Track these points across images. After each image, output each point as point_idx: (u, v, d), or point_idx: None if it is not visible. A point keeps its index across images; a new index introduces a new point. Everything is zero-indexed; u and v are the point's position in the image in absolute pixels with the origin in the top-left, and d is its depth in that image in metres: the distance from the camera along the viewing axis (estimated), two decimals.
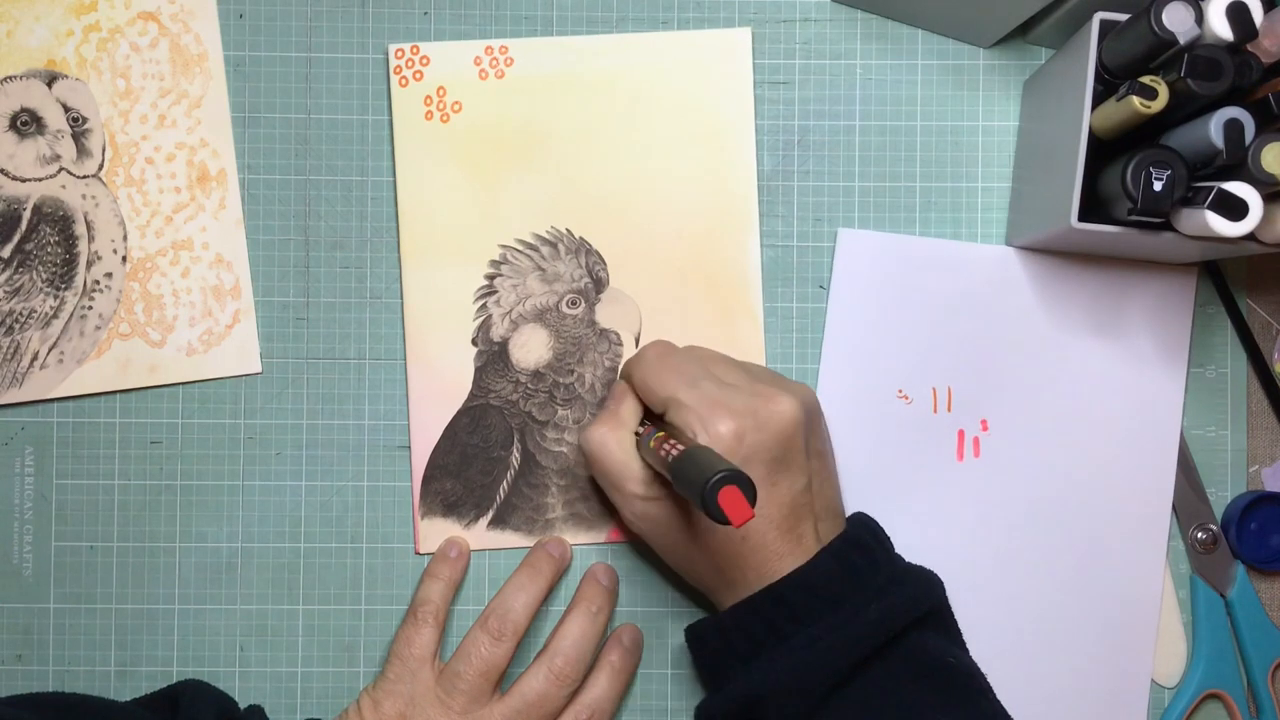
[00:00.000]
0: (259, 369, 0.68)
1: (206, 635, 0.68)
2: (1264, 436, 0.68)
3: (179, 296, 0.67)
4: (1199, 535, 0.68)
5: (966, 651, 0.61)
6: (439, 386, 0.68)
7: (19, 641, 0.67)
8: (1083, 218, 0.58)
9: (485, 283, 0.68)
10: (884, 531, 0.62)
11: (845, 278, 0.68)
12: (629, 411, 0.63)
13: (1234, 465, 0.68)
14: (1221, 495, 0.68)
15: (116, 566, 0.68)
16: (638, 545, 0.68)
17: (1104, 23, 0.58)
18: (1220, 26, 0.53)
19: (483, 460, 0.68)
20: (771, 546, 0.58)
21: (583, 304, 0.68)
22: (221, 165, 0.67)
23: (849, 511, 0.64)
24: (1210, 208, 0.54)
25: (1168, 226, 0.57)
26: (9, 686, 0.67)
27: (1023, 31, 0.68)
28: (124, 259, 0.67)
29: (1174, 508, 0.68)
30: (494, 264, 0.68)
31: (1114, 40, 0.57)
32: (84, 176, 0.67)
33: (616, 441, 0.61)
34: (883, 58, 0.68)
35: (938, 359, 0.67)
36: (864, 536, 0.60)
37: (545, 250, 0.68)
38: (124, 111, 0.67)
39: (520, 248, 0.68)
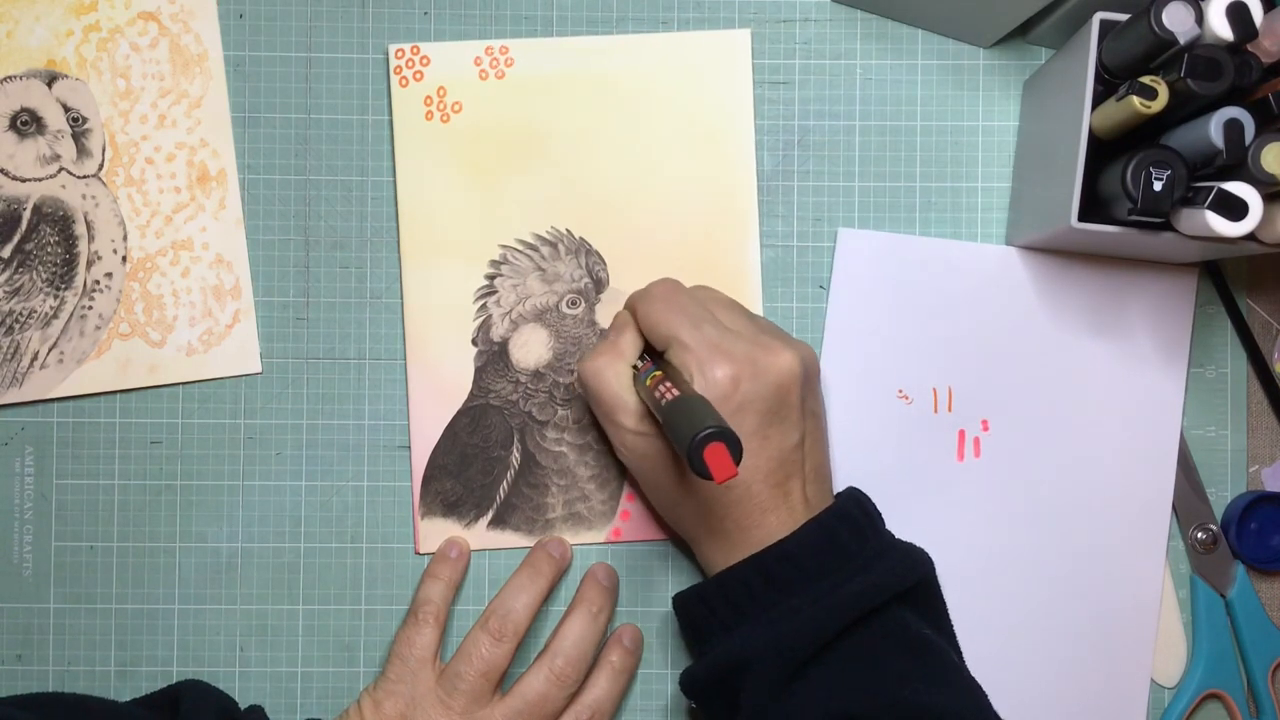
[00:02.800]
0: (259, 369, 0.68)
1: (206, 635, 0.68)
2: (1264, 436, 0.68)
3: (179, 296, 0.67)
4: (1199, 535, 0.68)
5: (949, 628, 0.62)
6: (439, 386, 0.68)
7: (19, 641, 0.67)
8: (1083, 218, 0.58)
9: (485, 283, 0.68)
10: (875, 507, 0.63)
11: (845, 278, 0.68)
12: (629, 344, 0.62)
13: (1234, 465, 0.68)
14: (1221, 495, 0.68)
15: (116, 566, 0.68)
16: (638, 545, 0.68)
17: (1104, 23, 0.58)
18: (1220, 26, 0.53)
19: (483, 460, 0.68)
20: (757, 499, 0.59)
21: (583, 304, 0.68)
22: (221, 165, 0.67)
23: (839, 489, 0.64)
24: (1210, 208, 0.54)
25: (1168, 226, 0.57)
26: (9, 686, 0.67)
27: (1023, 31, 0.68)
28: (124, 259, 0.67)
29: (1174, 508, 0.68)
30: (494, 264, 0.68)
31: (1114, 40, 0.57)
32: (84, 176, 0.67)
33: (614, 373, 0.61)
34: (883, 58, 0.68)
35: (938, 359, 0.67)
36: (852, 510, 0.61)
37: (545, 250, 0.68)
38: (124, 111, 0.67)
39: (520, 248, 0.68)
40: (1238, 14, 0.53)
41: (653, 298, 0.62)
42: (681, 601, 0.62)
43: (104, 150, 0.67)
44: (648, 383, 0.59)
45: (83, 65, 0.67)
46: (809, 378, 0.61)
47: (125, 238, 0.67)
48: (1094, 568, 0.67)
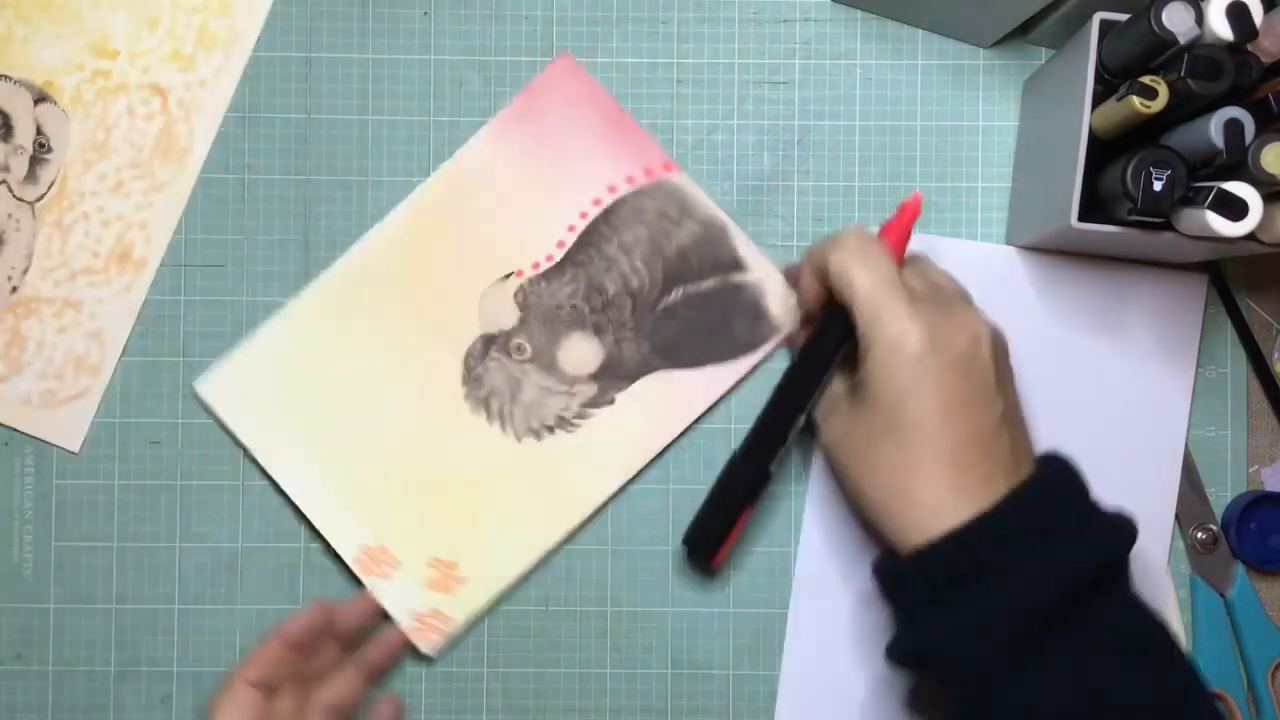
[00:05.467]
0: (75, 450, 0.67)
1: (206, 635, 0.68)
2: (1264, 436, 0.68)
3: (43, 348, 0.67)
4: (1199, 535, 0.68)
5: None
6: None
7: (19, 641, 0.67)
8: (1083, 218, 0.58)
9: None
10: (1077, 473, 0.58)
11: None
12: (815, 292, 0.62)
13: (1234, 465, 0.68)
14: (1221, 495, 0.68)
15: (116, 566, 0.68)
16: (638, 548, 0.68)
17: (1104, 23, 0.58)
18: (1220, 26, 0.53)
19: None
20: (966, 466, 0.55)
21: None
22: (146, 254, 0.67)
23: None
24: (1210, 208, 0.54)
25: (1168, 226, 0.57)
26: (9, 686, 0.67)
27: (1023, 31, 0.68)
28: (14, 289, 0.67)
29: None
30: None
31: (1114, 40, 0.57)
32: (20, 199, 0.67)
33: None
34: (883, 58, 0.68)
35: None
36: (1055, 477, 0.57)
37: None
38: (89, 161, 0.67)
39: None
40: (1238, 14, 0.53)
41: (848, 247, 0.59)
42: (881, 574, 0.59)
43: (51, 186, 0.67)
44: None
45: (75, 101, 0.67)
46: (1000, 352, 0.59)
47: (26, 271, 0.67)
48: None
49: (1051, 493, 0.57)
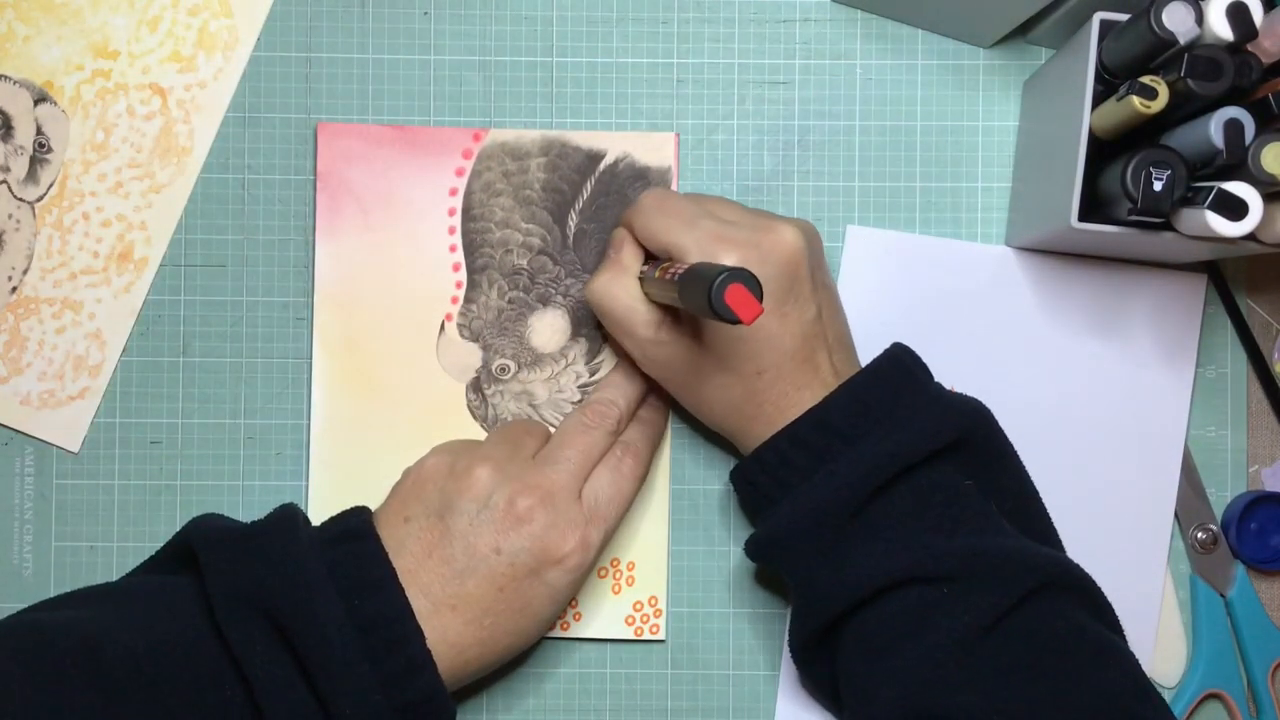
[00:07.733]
0: (75, 450, 0.67)
1: None
2: (1264, 436, 0.68)
3: (43, 348, 0.67)
4: (1199, 535, 0.68)
5: (1008, 482, 0.61)
6: None
7: None
8: (1083, 218, 0.58)
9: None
10: (917, 363, 0.62)
11: (853, 275, 0.68)
12: (630, 257, 0.62)
13: (1234, 465, 0.68)
14: (1221, 495, 0.68)
15: (116, 566, 0.68)
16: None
17: (1104, 23, 0.58)
18: (1220, 26, 0.53)
19: None
20: (788, 378, 0.59)
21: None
22: (148, 254, 0.67)
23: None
24: (1210, 208, 0.54)
25: (1168, 226, 0.57)
26: None
27: (1023, 31, 0.68)
28: (14, 289, 0.67)
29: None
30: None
31: (1114, 40, 0.57)
32: (20, 199, 0.67)
33: (621, 288, 0.61)
34: (883, 58, 0.68)
35: (941, 357, 0.67)
36: (887, 370, 0.60)
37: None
38: (89, 162, 0.67)
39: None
40: (1238, 14, 0.53)
41: (645, 209, 0.62)
42: (733, 479, 0.63)
43: (51, 186, 0.67)
44: (656, 275, 0.58)
45: (75, 102, 0.67)
46: (814, 250, 0.61)
47: (26, 271, 0.67)
48: (1095, 569, 0.67)
49: (880, 384, 0.60)
